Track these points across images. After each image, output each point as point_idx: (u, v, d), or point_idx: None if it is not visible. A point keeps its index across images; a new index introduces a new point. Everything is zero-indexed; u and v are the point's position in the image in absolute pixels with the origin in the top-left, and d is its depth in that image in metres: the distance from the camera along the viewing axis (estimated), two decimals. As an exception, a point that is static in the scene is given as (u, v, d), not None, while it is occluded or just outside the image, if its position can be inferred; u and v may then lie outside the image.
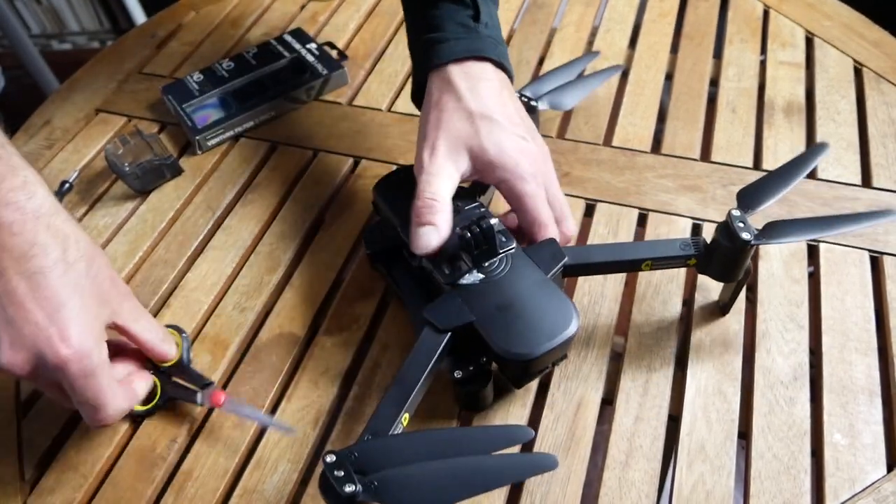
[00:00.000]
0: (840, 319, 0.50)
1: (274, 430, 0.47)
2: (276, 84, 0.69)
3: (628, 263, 0.47)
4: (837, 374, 0.47)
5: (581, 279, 0.53)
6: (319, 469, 0.44)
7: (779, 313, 0.51)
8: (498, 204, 0.57)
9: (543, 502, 0.43)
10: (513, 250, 0.45)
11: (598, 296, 0.52)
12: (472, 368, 0.44)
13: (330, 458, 0.36)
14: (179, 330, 0.51)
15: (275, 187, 0.63)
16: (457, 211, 0.47)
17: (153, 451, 0.47)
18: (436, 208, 0.45)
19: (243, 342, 0.53)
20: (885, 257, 0.53)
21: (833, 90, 0.66)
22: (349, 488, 0.35)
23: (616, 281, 0.53)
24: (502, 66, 0.50)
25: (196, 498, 0.45)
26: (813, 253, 0.54)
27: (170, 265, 0.58)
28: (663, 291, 0.52)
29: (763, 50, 0.71)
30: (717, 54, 0.71)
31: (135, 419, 0.49)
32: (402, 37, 0.77)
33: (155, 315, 0.55)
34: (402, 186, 0.52)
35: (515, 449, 0.42)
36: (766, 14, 0.74)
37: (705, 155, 0.62)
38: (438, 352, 0.43)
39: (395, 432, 0.40)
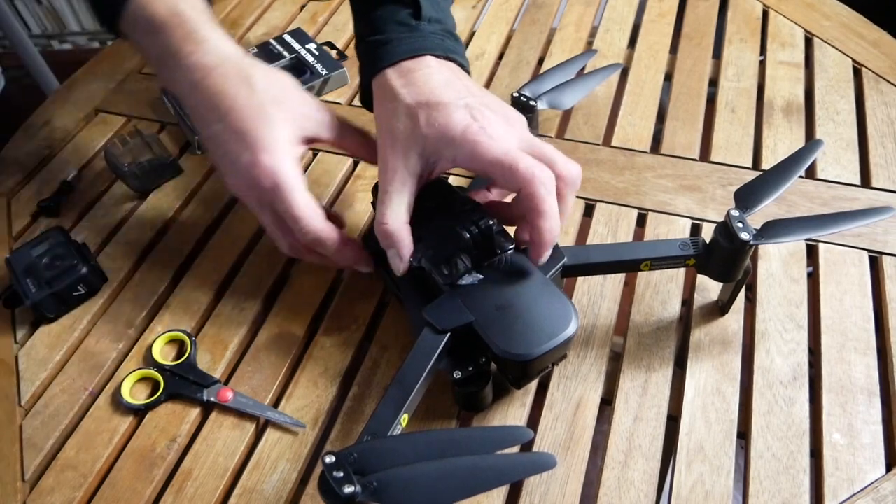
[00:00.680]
0: (839, 319, 0.50)
1: (283, 424, 0.48)
2: (276, 84, 0.69)
3: (628, 264, 0.47)
4: (836, 373, 0.47)
5: (580, 279, 0.53)
6: (318, 469, 0.44)
7: (778, 313, 0.51)
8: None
9: (542, 502, 0.43)
10: (511, 250, 0.45)
11: (598, 296, 0.53)
12: (471, 369, 0.44)
13: (329, 459, 0.36)
14: (187, 334, 0.52)
15: (274, 187, 0.63)
16: (455, 211, 0.47)
17: (153, 450, 0.47)
18: (388, 235, 0.45)
19: (243, 342, 0.53)
20: (884, 257, 0.53)
21: (832, 90, 0.66)
22: (348, 489, 0.35)
23: (615, 281, 0.53)
24: (449, 58, 0.48)
25: (195, 497, 0.45)
26: (812, 253, 0.54)
27: (169, 265, 0.58)
28: (662, 291, 0.52)
29: (762, 50, 0.71)
30: (717, 54, 0.71)
31: (136, 413, 0.49)
32: (402, 37, 0.77)
33: (154, 315, 0.55)
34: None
35: (515, 449, 0.42)
36: (765, 14, 0.74)
37: (704, 155, 0.62)
38: (438, 352, 0.43)
39: (395, 433, 0.40)
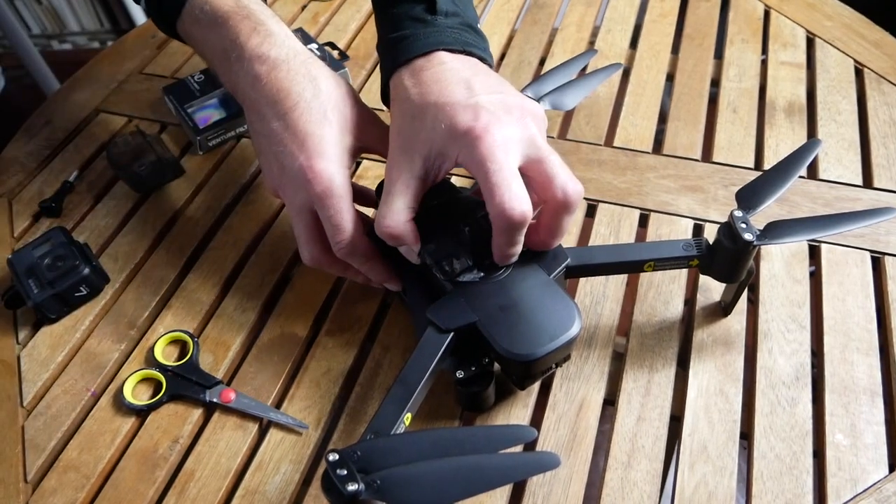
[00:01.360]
0: (842, 320, 0.50)
1: (286, 424, 0.48)
2: (278, 84, 0.69)
3: (631, 264, 0.47)
4: (839, 374, 0.47)
5: (582, 280, 0.53)
6: (321, 469, 0.44)
7: (780, 314, 0.51)
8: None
9: (546, 502, 0.43)
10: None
11: (600, 296, 0.52)
12: (474, 369, 0.44)
13: (333, 457, 0.36)
14: (189, 334, 0.52)
15: (276, 187, 0.63)
16: (458, 209, 0.47)
17: (155, 451, 0.47)
18: (390, 235, 0.44)
19: (245, 342, 0.53)
20: (886, 258, 0.53)
21: (834, 90, 0.66)
22: (352, 487, 0.35)
23: (618, 281, 0.53)
24: (466, 52, 0.47)
25: (198, 498, 0.45)
26: (814, 253, 0.54)
27: (171, 265, 0.58)
28: (665, 292, 0.52)
29: (764, 50, 0.71)
30: (719, 55, 0.71)
31: (138, 414, 0.49)
32: (403, 37, 0.77)
33: (157, 316, 0.55)
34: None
35: (518, 449, 0.42)
36: (766, 14, 0.75)
37: (706, 155, 0.62)
38: (441, 352, 0.43)
39: (398, 432, 0.40)
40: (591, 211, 0.59)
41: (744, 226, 0.43)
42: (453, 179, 0.61)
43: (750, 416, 0.46)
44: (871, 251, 0.54)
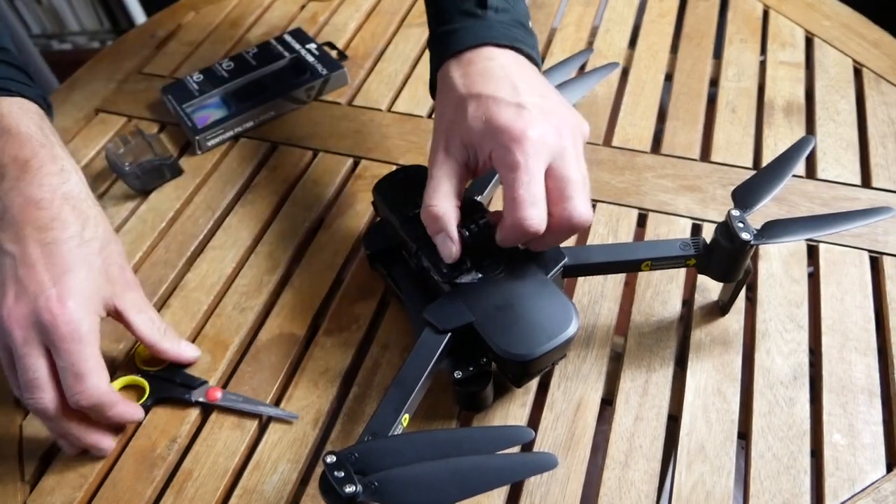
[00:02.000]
0: (840, 319, 0.50)
1: (276, 417, 0.48)
2: (276, 84, 0.69)
3: (628, 264, 0.47)
4: (837, 374, 0.47)
5: (580, 279, 0.53)
6: (319, 469, 0.44)
7: (778, 313, 0.51)
8: (498, 203, 0.57)
9: (543, 502, 0.43)
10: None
11: (598, 296, 0.53)
12: (472, 369, 0.44)
13: (330, 459, 0.36)
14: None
15: (275, 187, 0.63)
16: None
17: (153, 451, 0.47)
18: (436, 217, 0.43)
19: (243, 342, 0.53)
20: (884, 257, 0.53)
21: (833, 90, 0.66)
22: (349, 489, 0.35)
23: (616, 281, 0.53)
24: (514, 48, 0.46)
25: (196, 498, 0.45)
26: (813, 253, 0.54)
27: (170, 265, 0.58)
28: (663, 292, 0.52)
29: (763, 50, 0.71)
30: (717, 54, 0.71)
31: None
32: (402, 37, 0.77)
33: (155, 315, 0.55)
34: (402, 187, 0.52)
35: (515, 449, 0.42)
36: (765, 14, 0.74)
37: (705, 155, 0.62)
38: (438, 352, 0.43)
39: (395, 433, 0.40)
40: (589, 211, 0.59)
41: (741, 225, 0.43)
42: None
43: (748, 415, 0.46)
44: (869, 251, 0.54)
